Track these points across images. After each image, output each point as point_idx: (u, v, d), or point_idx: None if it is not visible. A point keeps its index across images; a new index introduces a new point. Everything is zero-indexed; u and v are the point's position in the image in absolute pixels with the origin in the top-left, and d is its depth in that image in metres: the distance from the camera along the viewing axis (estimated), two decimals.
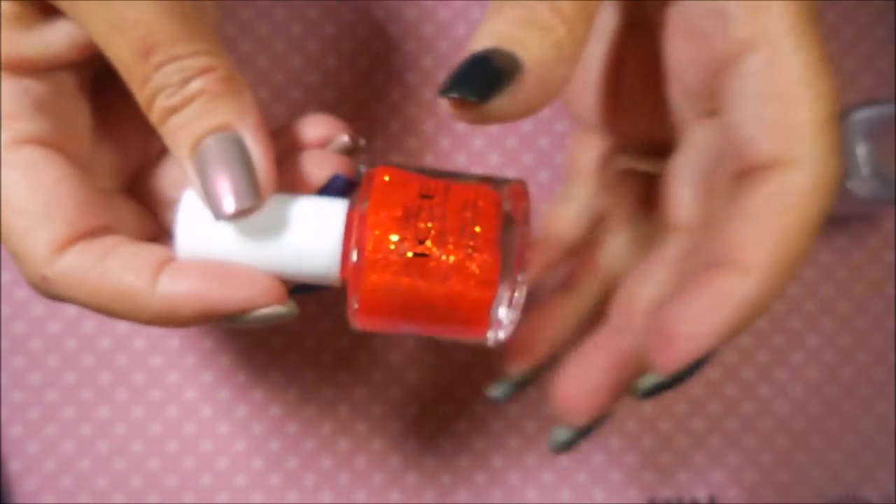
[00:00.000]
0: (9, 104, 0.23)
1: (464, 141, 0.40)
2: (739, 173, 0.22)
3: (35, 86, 0.23)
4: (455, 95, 0.20)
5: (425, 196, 0.23)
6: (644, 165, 0.28)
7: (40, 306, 0.40)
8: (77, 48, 0.23)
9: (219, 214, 0.22)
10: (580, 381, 0.25)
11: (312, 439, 0.40)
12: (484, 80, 0.20)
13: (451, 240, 0.22)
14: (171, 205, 0.26)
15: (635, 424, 0.40)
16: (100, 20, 0.21)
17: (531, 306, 0.28)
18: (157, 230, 0.27)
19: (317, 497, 0.40)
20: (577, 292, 0.29)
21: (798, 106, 0.21)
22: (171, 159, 0.27)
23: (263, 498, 0.40)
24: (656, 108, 0.26)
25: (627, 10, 0.26)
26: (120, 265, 0.23)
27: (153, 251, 0.23)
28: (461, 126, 0.40)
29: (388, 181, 0.23)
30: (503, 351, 0.27)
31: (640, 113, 0.27)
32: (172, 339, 0.40)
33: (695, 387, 0.40)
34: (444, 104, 0.21)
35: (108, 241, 0.23)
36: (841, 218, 0.41)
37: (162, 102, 0.22)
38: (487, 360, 0.40)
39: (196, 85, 0.22)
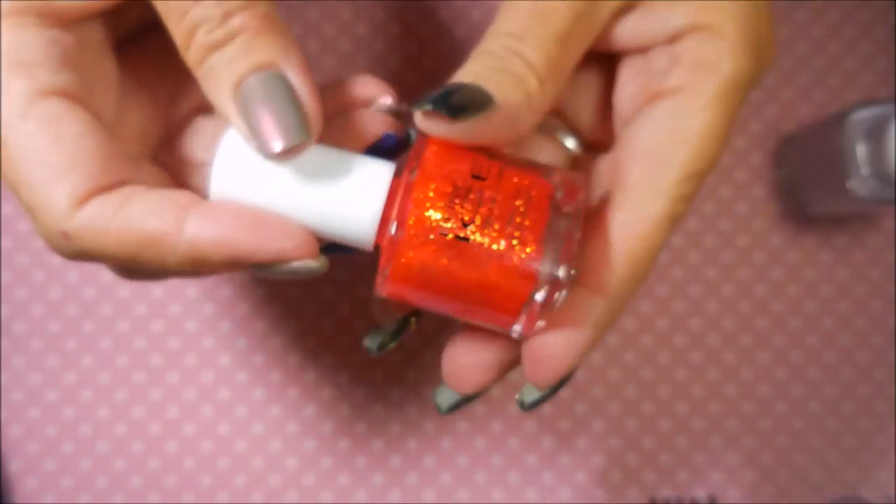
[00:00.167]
0: (34, 53, 0.22)
1: None
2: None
3: (62, 37, 0.22)
4: (429, 108, 0.21)
5: (476, 176, 0.21)
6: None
7: (40, 306, 0.40)
8: None
9: (267, 153, 0.21)
10: (470, 354, 0.25)
11: (312, 439, 0.40)
12: (457, 102, 0.21)
13: (496, 227, 0.21)
14: (199, 171, 0.25)
15: (635, 424, 0.40)
16: None
17: None
18: None
19: (317, 497, 0.40)
20: None
21: (674, 155, 0.23)
22: (197, 126, 0.26)
23: (263, 498, 0.40)
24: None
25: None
26: (143, 209, 0.21)
27: (176, 195, 0.22)
28: None
29: (441, 152, 0.22)
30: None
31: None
32: (173, 340, 0.40)
33: (695, 387, 0.40)
34: (417, 116, 0.21)
35: (127, 190, 0.22)
36: (841, 218, 0.41)
37: (202, 38, 0.21)
38: None
39: (237, 21, 0.21)
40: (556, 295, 0.21)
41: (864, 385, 0.41)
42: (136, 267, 0.22)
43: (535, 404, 0.25)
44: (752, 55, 0.23)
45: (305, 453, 0.40)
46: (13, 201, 0.40)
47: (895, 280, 0.41)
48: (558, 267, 0.21)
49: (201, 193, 0.23)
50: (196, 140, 0.26)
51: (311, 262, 0.22)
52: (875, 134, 0.35)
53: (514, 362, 0.24)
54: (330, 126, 0.23)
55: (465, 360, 0.24)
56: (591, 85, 0.27)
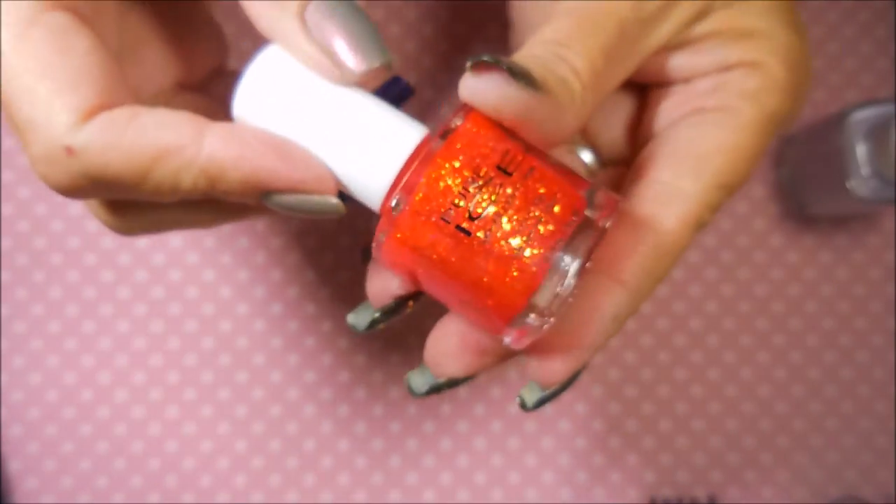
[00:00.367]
0: None
1: None
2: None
3: None
4: (488, 59, 0.19)
5: (502, 169, 0.20)
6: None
7: (40, 306, 0.40)
8: None
9: (347, 76, 0.20)
10: (462, 335, 0.23)
11: (312, 439, 0.40)
12: (516, 67, 0.19)
13: (505, 228, 0.19)
14: None
15: (635, 424, 0.40)
16: None
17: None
18: None
19: (317, 497, 0.40)
20: None
21: (712, 162, 0.23)
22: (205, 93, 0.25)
23: (263, 498, 0.40)
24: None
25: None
26: (157, 122, 0.20)
27: (191, 115, 0.21)
28: None
29: (476, 131, 0.20)
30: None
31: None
32: (173, 339, 0.40)
33: (695, 387, 0.40)
34: (467, 76, 0.20)
35: (137, 108, 0.20)
36: (841, 218, 0.41)
37: None
38: None
39: None
40: (545, 321, 0.20)
41: (864, 385, 0.41)
42: (144, 190, 0.20)
43: (539, 405, 0.23)
44: (792, 97, 0.23)
45: (305, 453, 0.40)
46: (13, 201, 0.40)
47: (895, 280, 0.41)
48: (555, 295, 0.20)
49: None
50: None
51: (331, 199, 0.21)
52: (875, 134, 0.35)
53: (513, 351, 0.23)
54: None
55: (456, 341, 0.23)
56: (618, 105, 0.26)
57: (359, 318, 0.25)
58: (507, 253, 0.19)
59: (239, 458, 0.40)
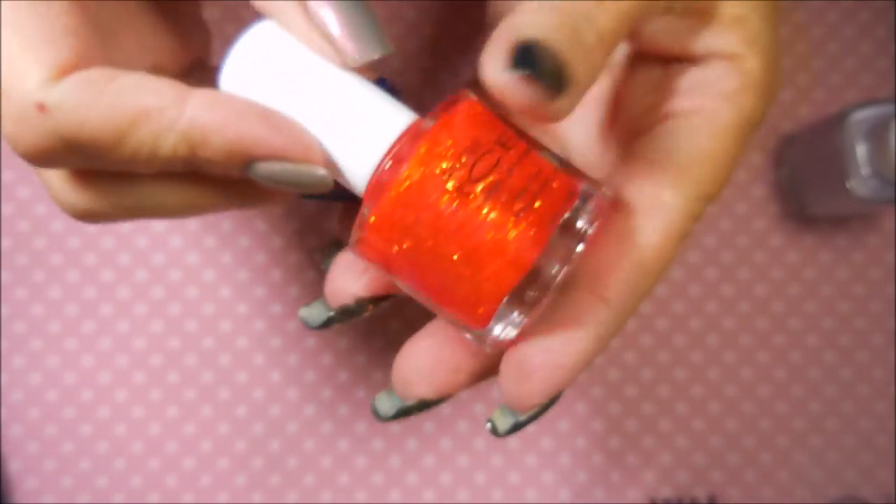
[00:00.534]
0: None
1: None
2: None
3: None
4: (527, 72, 0.18)
5: (501, 144, 0.20)
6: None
7: (40, 306, 0.40)
8: None
9: (349, 61, 0.20)
10: (436, 350, 0.22)
11: (312, 439, 0.40)
12: (549, 69, 0.18)
13: (502, 199, 0.19)
14: None
15: (635, 424, 0.40)
16: None
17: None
18: None
19: (317, 497, 0.40)
20: None
21: (692, 173, 0.22)
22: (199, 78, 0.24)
23: (263, 498, 0.40)
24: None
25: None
26: (136, 84, 0.19)
27: (172, 80, 0.19)
28: None
29: (470, 113, 0.20)
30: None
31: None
32: (173, 339, 0.40)
33: (695, 387, 0.40)
34: (499, 79, 0.18)
35: (116, 70, 0.19)
36: (841, 218, 0.41)
37: None
38: None
39: None
40: (540, 298, 0.19)
41: (864, 385, 0.41)
42: (120, 155, 0.19)
43: (512, 431, 0.22)
44: (769, 97, 0.23)
45: (305, 453, 0.40)
46: (13, 201, 0.40)
47: (895, 280, 0.41)
48: (554, 265, 0.19)
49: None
50: None
51: (318, 169, 0.20)
52: (875, 134, 0.35)
53: (490, 369, 0.22)
54: None
55: (428, 358, 0.22)
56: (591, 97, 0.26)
57: (312, 314, 0.24)
58: (504, 220, 0.19)
59: (238, 458, 0.40)
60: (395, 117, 0.20)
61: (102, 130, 0.18)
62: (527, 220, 0.19)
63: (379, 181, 0.20)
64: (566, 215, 0.19)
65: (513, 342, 0.21)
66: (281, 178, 0.20)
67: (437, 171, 0.19)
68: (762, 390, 0.41)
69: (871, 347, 0.41)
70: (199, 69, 0.25)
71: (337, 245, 0.26)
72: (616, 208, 0.22)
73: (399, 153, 0.20)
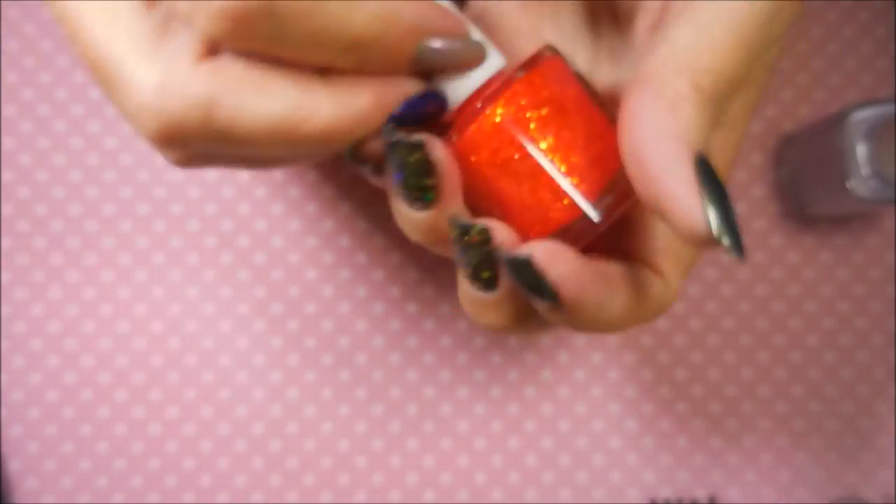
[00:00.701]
0: None
1: None
2: None
3: None
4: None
5: (577, 101, 0.22)
6: None
7: (40, 306, 0.40)
8: None
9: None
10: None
11: (312, 439, 0.40)
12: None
13: (565, 154, 0.22)
14: None
15: (635, 424, 0.40)
16: None
17: None
18: None
19: (317, 497, 0.40)
20: None
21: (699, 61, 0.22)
22: None
23: (263, 498, 0.40)
24: None
25: None
26: None
27: None
28: None
29: (555, 68, 0.22)
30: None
31: None
32: (173, 339, 0.40)
33: (695, 387, 0.40)
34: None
35: None
36: (841, 218, 0.41)
37: None
38: (487, 364, 0.40)
39: None
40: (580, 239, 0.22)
41: (864, 385, 0.41)
42: (308, 27, 0.19)
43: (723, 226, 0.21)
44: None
45: (305, 453, 0.40)
46: (13, 201, 0.40)
47: (895, 280, 0.41)
48: (599, 214, 0.22)
49: None
50: None
51: (474, 38, 0.22)
52: (875, 134, 0.35)
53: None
54: None
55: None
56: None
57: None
58: (563, 172, 0.22)
59: (239, 458, 0.40)
60: (492, 56, 0.22)
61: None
62: (582, 176, 0.22)
63: (470, 110, 0.22)
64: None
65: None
66: (448, 52, 0.21)
67: (522, 115, 0.22)
68: (762, 390, 0.41)
69: (871, 347, 0.41)
70: None
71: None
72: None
73: (492, 91, 0.22)
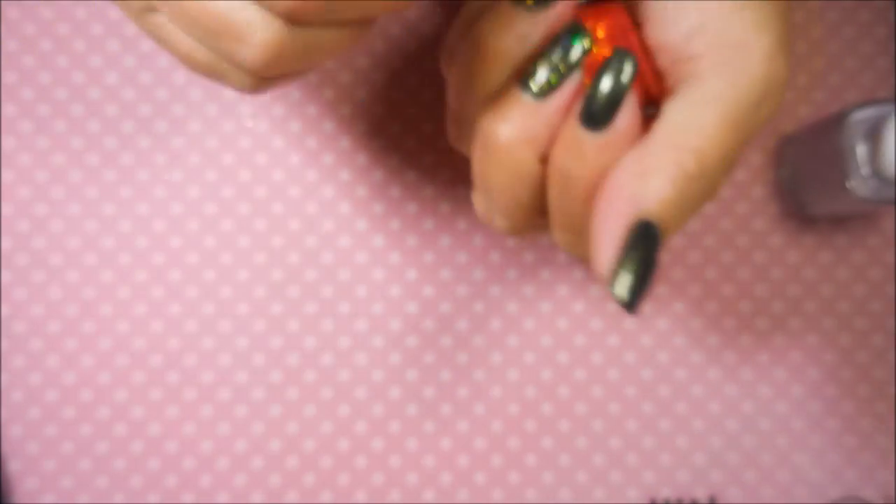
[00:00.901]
0: None
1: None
2: None
3: None
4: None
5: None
6: None
7: (40, 306, 0.40)
8: None
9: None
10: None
11: (312, 439, 0.40)
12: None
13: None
14: None
15: (635, 424, 0.40)
16: None
17: None
18: None
19: (317, 497, 0.40)
20: None
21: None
22: None
23: (263, 498, 0.40)
24: None
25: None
26: None
27: None
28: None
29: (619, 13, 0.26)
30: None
31: None
32: (172, 340, 0.40)
33: (695, 387, 0.40)
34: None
35: None
36: (841, 218, 0.41)
37: None
38: (485, 364, 0.40)
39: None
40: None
41: (864, 385, 0.41)
42: None
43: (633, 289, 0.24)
44: (772, 88, 0.25)
45: (305, 453, 0.40)
46: (13, 201, 0.40)
47: (895, 280, 0.41)
48: None
49: None
50: None
51: None
52: (875, 134, 0.34)
53: None
54: None
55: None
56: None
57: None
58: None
59: (239, 458, 0.40)
60: None
61: None
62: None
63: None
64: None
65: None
66: None
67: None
68: (762, 390, 0.41)
69: (871, 347, 0.41)
70: None
71: None
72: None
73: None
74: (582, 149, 0.24)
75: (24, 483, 0.39)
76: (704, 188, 0.24)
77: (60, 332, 0.40)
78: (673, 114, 0.24)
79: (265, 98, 0.41)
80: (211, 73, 0.24)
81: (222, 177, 0.41)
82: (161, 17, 0.23)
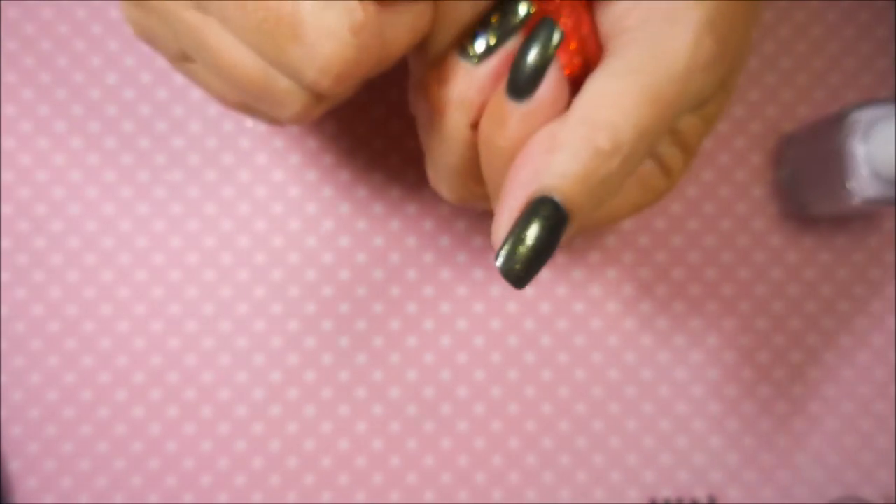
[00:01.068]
0: None
1: None
2: None
3: None
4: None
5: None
6: None
7: (40, 306, 0.40)
8: None
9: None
10: None
11: (312, 438, 0.40)
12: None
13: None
14: None
15: (635, 424, 0.40)
16: None
17: None
18: None
19: (317, 497, 0.40)
20: None
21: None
22: None
23: (263, 498, 0.40)
24: None
25: None
26: None
27: None
28: None
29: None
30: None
31: None
32: (172, 340, 0.40)
33: (695, 387, 0.40)
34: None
35: None
36: (841, 218, 0.41)
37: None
38: (486, 364, 0.40)
39: None
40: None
41: (864, 385, 0.41)
42: None
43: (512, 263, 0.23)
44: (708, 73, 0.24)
45: (305, 452, 0.40)
46: (13, 201, 0.40)
47: (895, 280, 0.41)
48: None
49: None
50: None
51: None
52: (875, 134, 0.34)
53: None
54: None
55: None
56: None
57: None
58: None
59: (239, 458, 0.40)
60: None
61: None
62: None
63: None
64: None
65: None
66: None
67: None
68: (762, 390, 0.41)
69: (871, 347, 0.41)
70: None
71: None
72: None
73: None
74: (504, 117, 0.24)
75: (24, 483, 0.39)
76: (620, 165, 0.23)
77: (60, 332, 0.40)
78: (591, 85, 0.23)
79: None
80: (245, 109, 0.24)
81: (222, 177, 0.41)
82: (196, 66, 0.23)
